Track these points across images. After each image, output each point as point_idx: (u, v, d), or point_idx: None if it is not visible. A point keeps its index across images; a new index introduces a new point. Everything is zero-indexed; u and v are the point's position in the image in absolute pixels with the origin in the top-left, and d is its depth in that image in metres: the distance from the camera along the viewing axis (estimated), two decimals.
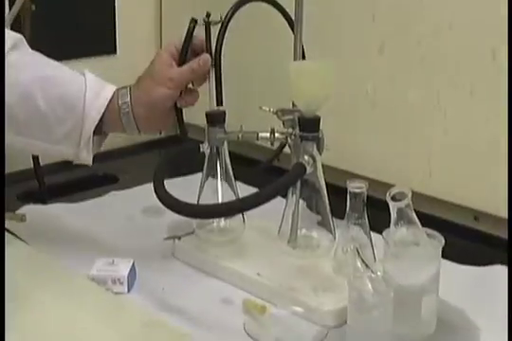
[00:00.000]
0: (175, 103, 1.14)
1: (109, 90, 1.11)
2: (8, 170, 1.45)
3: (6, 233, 1.21)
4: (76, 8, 1.49)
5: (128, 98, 1.10)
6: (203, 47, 1.13)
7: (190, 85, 1.15)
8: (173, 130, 1.74)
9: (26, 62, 1.09)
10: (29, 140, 1.10)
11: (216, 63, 1.15)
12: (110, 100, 1.10)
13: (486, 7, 1.17)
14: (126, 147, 1.64)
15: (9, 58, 1.06)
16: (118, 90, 1.12)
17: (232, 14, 1.15)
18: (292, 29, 1.17)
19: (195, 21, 1.12)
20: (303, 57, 1.17)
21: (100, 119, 1.09)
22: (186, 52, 1.12)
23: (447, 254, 1.00)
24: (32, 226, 1.26)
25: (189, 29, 1.11)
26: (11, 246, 1.16)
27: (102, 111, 1.09)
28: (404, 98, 1.30)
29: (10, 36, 1.10)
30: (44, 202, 1.37)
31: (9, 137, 1.08)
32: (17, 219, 1.28)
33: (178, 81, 1.10)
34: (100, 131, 1.11)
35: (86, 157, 1.12)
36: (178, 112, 1.16)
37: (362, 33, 1.34)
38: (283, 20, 1.23)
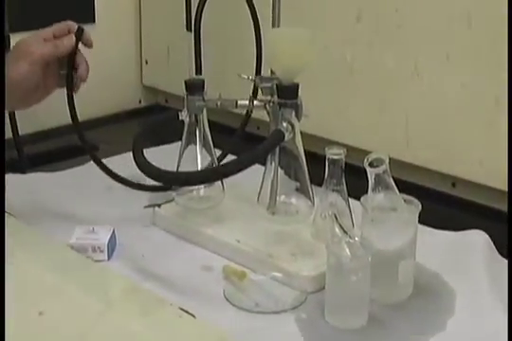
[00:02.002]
0: (68, 77, 1.13)
1: None
2: None
3: None
4: None
5: None
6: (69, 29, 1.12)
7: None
8: (152, 99, 1.76)
9: None
10: None
11: (196, 32, 1.15)
12: None
13: None
14: (106, 116, 1.64)
15: None
16: None
17: None
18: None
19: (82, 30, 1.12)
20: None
21: None
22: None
23: (424, 220, 1.02)
24: (12, 196, 1.26)
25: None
26: None
27: None
28: (382, 64, 1.30)
29: None
30: (23, 171, 1.36)
31: None
32: None
33: (38, 56, 1.08)
34: None
35: None
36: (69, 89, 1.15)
37: (340, 1, 1.33)
38: None
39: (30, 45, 1.10)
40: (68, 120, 1.51)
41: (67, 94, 1.16)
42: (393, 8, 1.27)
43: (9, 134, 1.38)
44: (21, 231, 1.14)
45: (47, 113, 1.51)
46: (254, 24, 1.22)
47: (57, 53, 1.11)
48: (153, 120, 1.19)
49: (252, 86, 1.21)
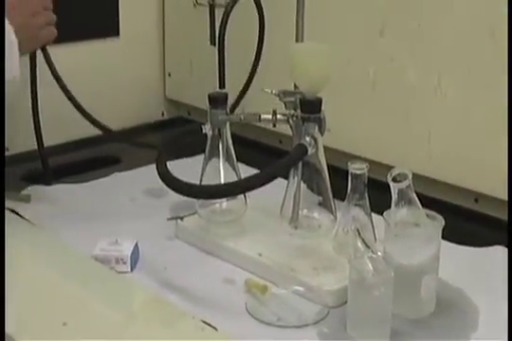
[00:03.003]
0: None
1: None
2: (12, 151, 1.47)
3: (11, 213, 1.23)
4: None
5: None
6: None
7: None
8: (175, 112, 1.77)
9: None
10: None
11: (220, 46, 1.16)
12: None
13: None
14: (129, 128, 1.65)
15: None
16: None
17: None
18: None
19: None
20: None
21: None
22: None
23: (447, 235, 1.01)
24: (37, 207, 1.28)
25: None
26: (17, 226, 1.18)
27: None
28: (404, 79, 1.30)
29: None
30: (48, 183, 1.38)
31: None
32: (22, 199, 1.30)
33: None
34: None
35: None
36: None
37: (363, 16, 1.34)
38: (286, 3, 1.23)
39: None
40: (93, 132, 1.53)
41: None
42: (415, 23, 1.27)
43: (34, 145, 1.40)
44: (45, 242, 1.15)
45: (72, 125, 1.53)
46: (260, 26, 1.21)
47: None
48: (176, 132, 1.20)
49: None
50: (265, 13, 1.25)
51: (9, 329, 0.89)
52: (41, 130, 1.39)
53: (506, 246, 1.13)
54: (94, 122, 1.31)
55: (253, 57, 1.31)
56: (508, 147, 1.12)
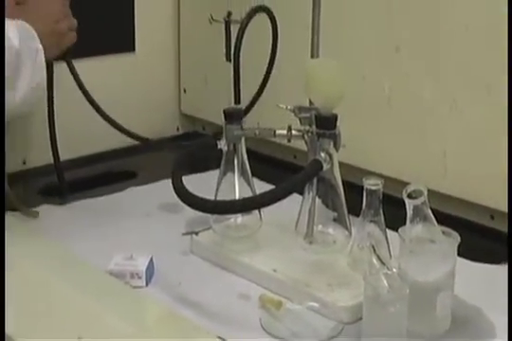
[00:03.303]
0: None
1: None
2: (29, 164, 1.48)
3: (24, 227, 1.23)
4: (95, 6, 1.50)
5: None
6: None
7: None
8: (190, 127, 1.78)
9: None
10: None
11: (235, 62, 1.17)
12: None
13: (501, 9, 1.18)
14: (144, 143, 1.65)
15: None
16: None
17: (252, 15, 1.16)
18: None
19: None
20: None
21: None
22: None
23: (462, 252, 1.01)
24: (52, 220, 1.28)
25: None
26: (30, 240, 1.18)
27: None
28: (420, 96, 1.30)
29: None
30: (63, 197, 1.38)
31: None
32: (30, 214, 1.30)
33: None
34: None
35: None
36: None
37: (379, 32, 1.34)
38: (301, 19, 1.24)
39: None
40: (108, 147, 1.54)
41: None
42: (432, 39, 1.27)
43: (50, 159, 1.41)
44: (60, 256, 1.15)
45: (87, 139, 1.55)
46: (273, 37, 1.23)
47: None
48: (191, 148, 1.20)
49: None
50: (280, 29, 1.26)
51: None
52: (57, 143, 1.40)
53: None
54: (128, 133, 1.34)
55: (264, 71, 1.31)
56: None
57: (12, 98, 1.07)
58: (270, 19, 1.21)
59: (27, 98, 1.08)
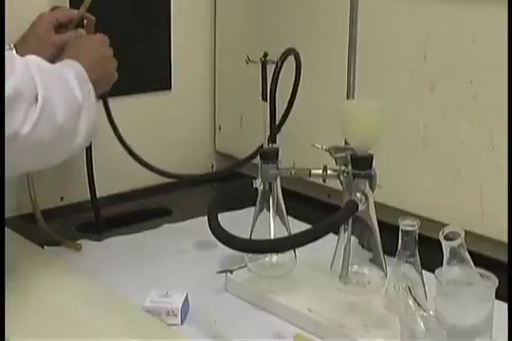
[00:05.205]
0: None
1: None
2: (67, 201, 1.51)
3: (61, 262, 1.25)
4: (131, 44, 1.53)
5: None
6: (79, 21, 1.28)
7: None
8: (224, 165, 1.79)
9: None
10: None
11: (271, 102, 1.18)
12: None
13: None
14: (179, 181, 1.67)
15: None
16: None
17: (284, 57, 1.18)
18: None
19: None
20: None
21: None
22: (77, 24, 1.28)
23: (501, 294, 1.00)
24: (89, 257, 1.30)
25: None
26: (69, 276, 1.20)
27: None
28: (456, 135, 1.30)
29: None
30: (99, 233, 1.40)
31: None
32: (73, 247, 1.32)
33: (60, 46, 1.22)
34: None
35: None
36: None
37: (414, 72, 1.35)
38: (337, 60, 1.25)
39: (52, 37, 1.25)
40: (144, 184, 1.56)
41: None
42: (467, 79, 1.28)
43: (87, 196, 1.43)
44: (96, 292, 1.16)
45: (123, 176, 1.56)
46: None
47: None
48: (228, 187, 1.21)
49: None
50: (316, 70, 1.27)
51: None
52: (94, 180, 1.42)
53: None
54: (159, 171, 1.36)
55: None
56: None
57: (76, 141, 1.09)
58: (296, 61, 1.22)
59: (87, 138, 1.11)
